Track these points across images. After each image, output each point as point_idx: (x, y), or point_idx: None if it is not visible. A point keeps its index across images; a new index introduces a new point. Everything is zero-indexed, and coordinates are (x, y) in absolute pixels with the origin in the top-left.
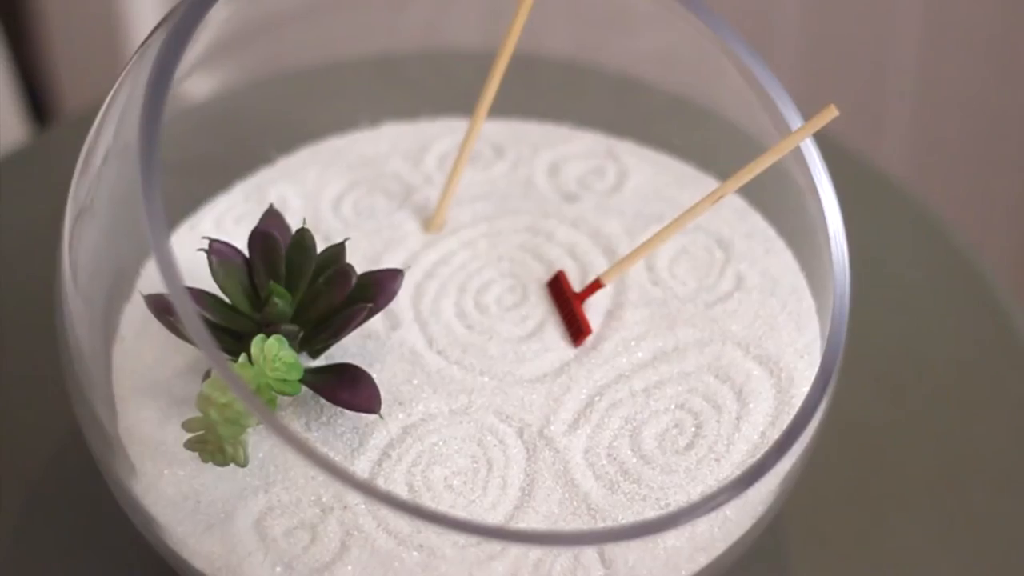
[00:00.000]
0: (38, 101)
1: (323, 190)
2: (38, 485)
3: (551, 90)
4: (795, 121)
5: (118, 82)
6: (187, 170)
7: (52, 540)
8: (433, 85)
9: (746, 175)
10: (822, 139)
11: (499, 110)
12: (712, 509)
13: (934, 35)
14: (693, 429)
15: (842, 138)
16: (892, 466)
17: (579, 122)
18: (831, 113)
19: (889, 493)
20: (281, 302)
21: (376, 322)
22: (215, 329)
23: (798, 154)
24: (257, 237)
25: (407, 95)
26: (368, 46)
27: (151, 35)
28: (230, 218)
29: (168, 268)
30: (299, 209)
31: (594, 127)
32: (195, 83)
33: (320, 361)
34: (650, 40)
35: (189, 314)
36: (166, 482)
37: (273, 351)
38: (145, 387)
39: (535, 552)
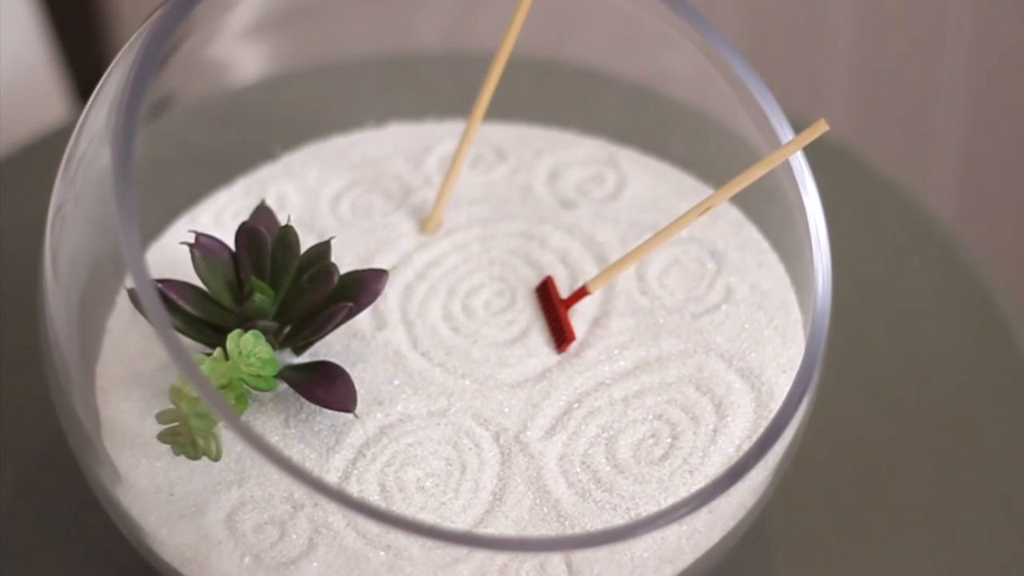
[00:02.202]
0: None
1: (322, 188)
2: (27, 475)
3: (563, 96)
4: (786, 136)
5: (107, 72)
6: (193, 164)
7: (33, 530)
8: (447, 87)
9: (734, 187)
10: (843, 157)
11: (508, 114)
12: (674, 520)
13: (981, 70)
14: (669, 440)
15: (882, 166)
16: (885, 485)
17: (586, 128)
18: (821, 128)
19: (881, 513)
20: (261, 298)
21: (363, 321)
22: (196, 322)
23: (791, 168)
24: (244, 232)
25: (420, 96)
26: (387, 45)
27: (142, 27)
28: (229, 212)
29: (135, 261)
30: (297, 206)
31: (601, 134)
32: (208, 77)
33: (304, 358)
34: (664, 56)
35: (154, 307)
36: (141, 473)
37: (249, 346)
38: (129, 378)
39: (501, 557)
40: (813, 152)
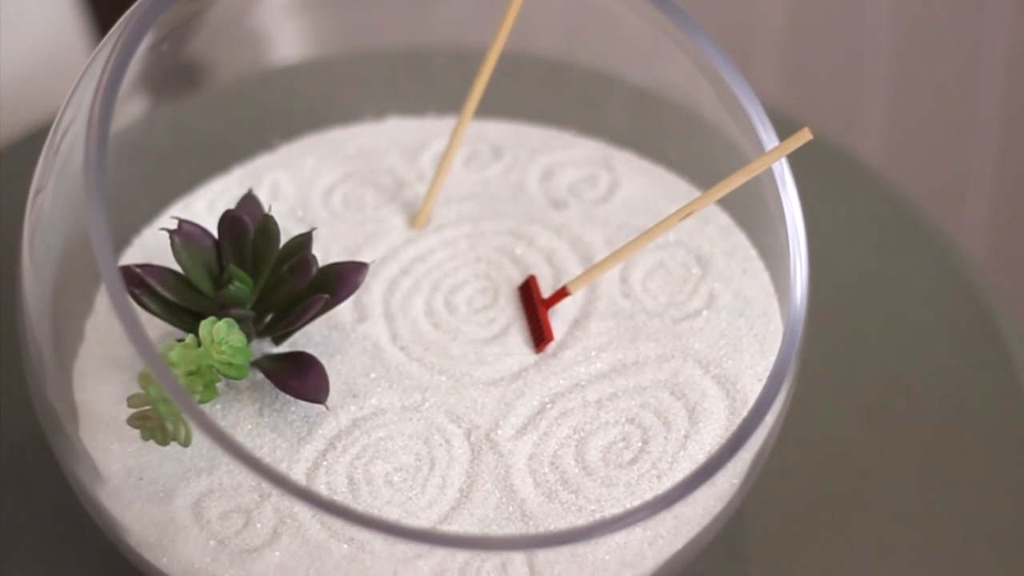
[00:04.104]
0: None
1: (316, 179)
2: (9, 464)
3: (568, 97)
4: (772, 144)
5: (93, 55)
6: (194, 151)
7: (13, 519)
8: (453, 83)
9: (716, 193)
10: (850, 167)
11: (507, 112)
12: (632, 523)
13: (1017, 100)
14: (639, 444)
15: (916, 195)
16: (869, 498)
17: (585, 129)
18: (804, 136)
19: (862, 527)
20: (239, 285)
21: (345, 313)
22: (175, 308)
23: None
24: (227, 220)
25: (425, 91)
26: (399, 39)
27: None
28: (223, 201)
29: (101, 244)
30: (290, 196)
31: (600, 135)
32: (215, 65)
33: (284, 348)
34: (666, 64)
35: (117, 292)
36: (113, 456)
37: (221, 334)
38: (109, 362)
39: (462, 554)
40: (820, 162)
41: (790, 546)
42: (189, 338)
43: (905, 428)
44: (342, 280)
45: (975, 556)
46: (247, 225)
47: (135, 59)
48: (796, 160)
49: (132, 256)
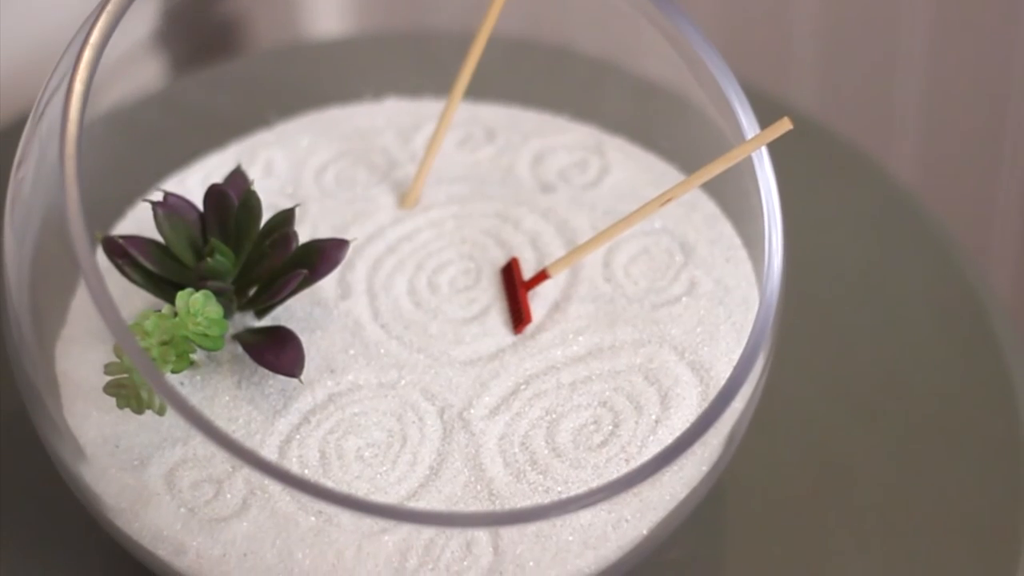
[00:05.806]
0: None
1: (310, 157)
2: None
3: (568, 82)
4: (752, 132)
5: (81, 24)
6: (195, 126)
7: None
8: (455, 66)
9: (696, 180)
10: (853, 160)
11: (504, 96)
12: (589, 504)
13: None
14: (610, 428)
15: (946, 212)
16: (853, 496)
17: (581, 115)
18: (785, 125)
19: (844, 524)
20: (220, 258)
21: (328, 290)
22: (158, 280)
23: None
24: (212, 194)
25: (427, 73)
26: (406, 21)
27: None
28: (217, 175)
29: (75, 216)
30: (283, 174)
31: (595, 121)
32: (220, 42)
33: (266, 322)
34: (663, 54)
35: (87, 262)
36: (91, 424)
37: (198, 305)
38: (96, 331)
39: (427, 531)
40: (820, 154)
41: (771, 537)
42: (166, 308)
43: (893, 423)
44: (323, 256)
45: (957, 551)
46: (232, 199)
47: (129, 40)
48: (799, 159)
49: (125, 227)
